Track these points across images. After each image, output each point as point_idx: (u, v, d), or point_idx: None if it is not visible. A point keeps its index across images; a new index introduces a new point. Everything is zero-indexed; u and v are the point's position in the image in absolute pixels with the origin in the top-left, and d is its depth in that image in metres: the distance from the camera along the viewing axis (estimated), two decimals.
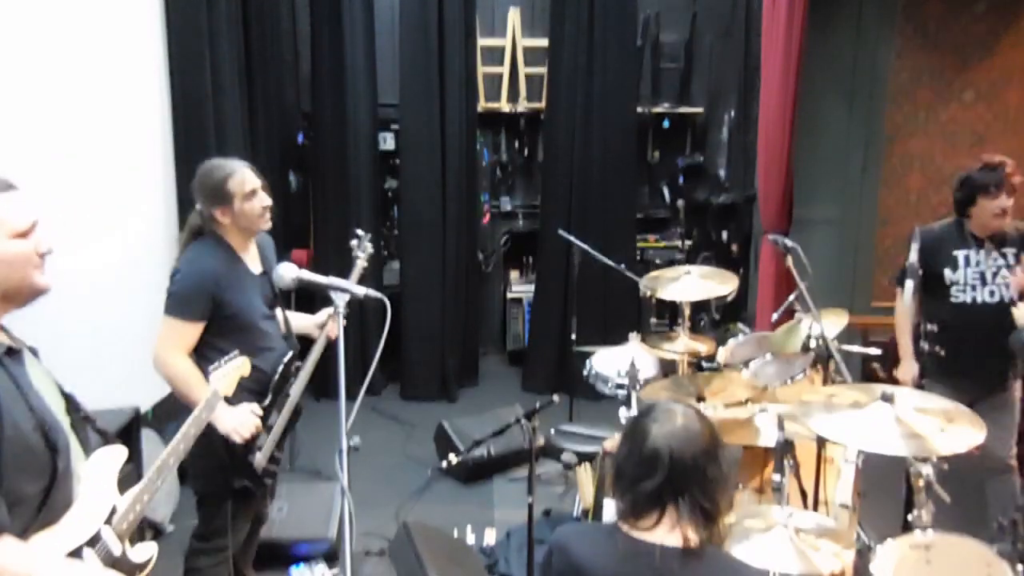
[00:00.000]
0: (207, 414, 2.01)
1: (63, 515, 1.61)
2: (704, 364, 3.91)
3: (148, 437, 3.61)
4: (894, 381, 3.54)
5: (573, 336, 4.94)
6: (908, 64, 5.71)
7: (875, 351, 3.91)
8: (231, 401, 2.38)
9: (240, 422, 2.49)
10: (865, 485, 2.76)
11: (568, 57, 5.54)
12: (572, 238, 4.95)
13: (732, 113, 6.15)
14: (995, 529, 3.06)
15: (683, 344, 3.75)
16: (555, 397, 2.92)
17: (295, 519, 3.55)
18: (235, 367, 2.21)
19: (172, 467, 1.87)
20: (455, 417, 4.63)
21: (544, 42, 5.76)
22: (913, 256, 3.25)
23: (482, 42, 5.89)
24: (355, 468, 2.12)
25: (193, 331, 2.54)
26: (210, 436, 2.24)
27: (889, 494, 3.37)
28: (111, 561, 1.67)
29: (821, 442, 2.69)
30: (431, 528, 3.38)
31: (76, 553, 1.60)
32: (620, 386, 3.71)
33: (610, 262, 4.69)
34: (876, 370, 5.00)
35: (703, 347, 3.76)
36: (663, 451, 1.63)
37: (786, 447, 2.46)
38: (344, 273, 2.74)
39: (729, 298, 4.07)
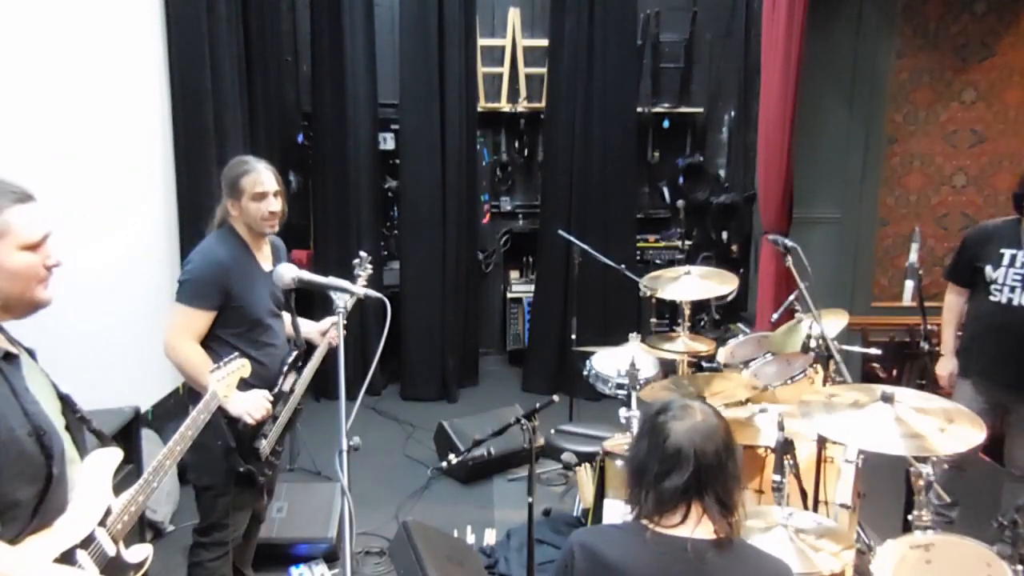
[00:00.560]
0: (205, 416, 2.01)
1: (57, 519, 1.61)
2: (704, 364, 3.92)
3: (148, 437, 3.61)
4: (896, 381, 3.54)
5: (573, 336, 4.94)
6: (908, 64, 5.72)
7: (875, 351, 3.92)
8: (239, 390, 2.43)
9: (253, 404, 2.54)
10: (865, 485, 2.77)
11: (568, 57, 5.54)
12: (572, 238, 4.95)
13: (732, 113, 6.15)
14: (995, 529, 3.06)
15: (683, 344, 3.75)
16: (555, 397, 2.92)
17: (295, 519, 3.55)
18: (235, 369, 2.23)
19: (168, 469, 1.87)
20: (455, 417, 4.63)
21: (544, 42, 5.77)
22: (913, 256, 3.24)
23: (482, 42, 5.89)
24: (355, 468, 2.11)
25: (204, 319, 2.59)
26: (214, 424, 2.26)
27: (889, 494, 3.37)
28: (105, 562, 1.66)
29: (821, 442, 2.69)
30: (431, 528, 3.38)
31: (69, 555, 1.60)
32: (620, 386, 3.71)
33: (610, 262, 4.70)
34: (876, 370, 5.00)
35: (703, 347, 3.76)
36: (687, 447, 1.65)
37: (786, 447, 2.46)
38: (343, 274, 2.74)
39: (729, 298, 4.07)
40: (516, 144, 6.17)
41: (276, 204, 2.70)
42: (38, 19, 3.09)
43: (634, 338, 4.06)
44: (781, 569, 1.72)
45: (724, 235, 6.22)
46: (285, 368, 2.75)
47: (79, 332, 3.19)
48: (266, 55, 5.05)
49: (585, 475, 3.57)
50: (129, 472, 2.78)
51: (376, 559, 3.58)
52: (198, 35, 4.06)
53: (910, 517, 2.33)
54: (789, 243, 3.42)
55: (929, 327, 3.47)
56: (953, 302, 3.47)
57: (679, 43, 6.07)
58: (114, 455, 1.79)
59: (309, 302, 4.56)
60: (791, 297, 3.62)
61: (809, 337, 3.29)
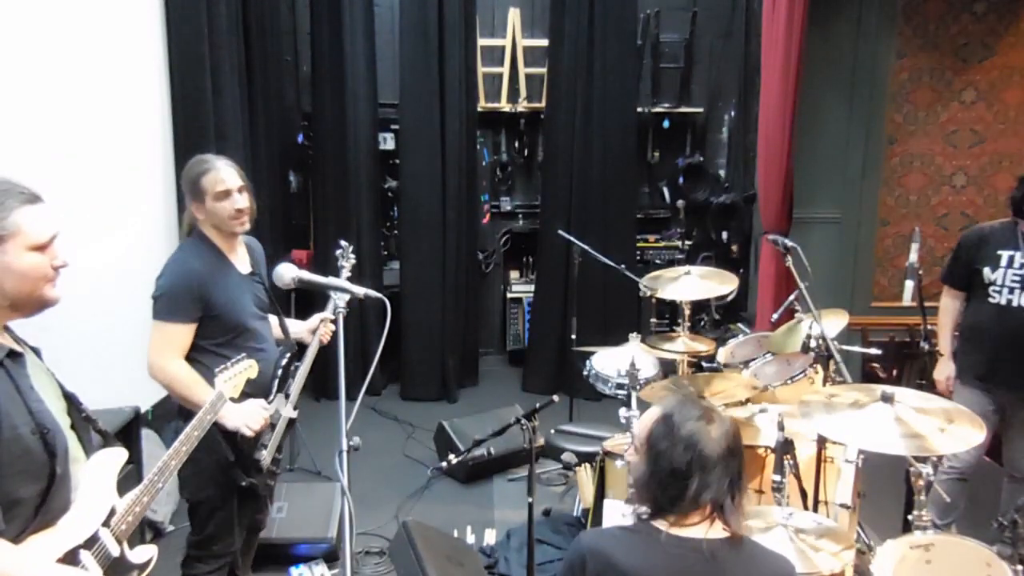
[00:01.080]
0: (211, 416, 2.00)
1: (60, 518, 1.60)
2: (704, 364, 3.92)
3: (148, 437, 3.61)
4: (896, 381, 3.54)
5: (573, 336, 4.94)
6: (908, 64, 5.72)
7: (875, 351, 3.92)
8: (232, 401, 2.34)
9: (249, 415, 2.45)
10: (865, 485, 2.77)
11: (568, 57, 5.54)
12: (572, 238, 4.95)
13: (732, 113, 6.15)
14: (995, 529, 3.06)
15: (683, 344, 3.76)
16: (555, 397, 2.92)
17: (295, 519, 3.55)
18: (242, 370, 2.18)
19: (174, 469, 1.86)
20: (455, 417, 4.62)
21: (544, 42, 5.77)
22: (913, 256, 3.24)
23: (482, 42, 5.89)
24: (355, 468, 2.11)
25: (184, 333, 2.49)
26: (209, 438, 2.23)
27: (889, 494, 3.37)
28: (109, 563, 1.66)
29: (821, 442, 2.69)
30: (431, 528, 3.38)
31: (73, 554, 1.59)
32: (620, 386, 3.71)
33: (610, 262, 4.70)
34: (876, 370, 5.00)
35: (703, 347, 3.76)
36: (703, 448, 1.66)
37: (786, 447, 2.47)
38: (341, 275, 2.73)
39: (729, 298, 4.08)
40: (516, 144, 6.17)
41: (243, 200, 2.56)
42: (38, 19, 3.09)
43: (634, 338, 4.06)
44: (785, 564, 1.75)
45: (724, 235, 6.22)
46: (279, 372, 2.65)
47: (79, 332, 3.19)
48: (266, 55, 5.05)
49: (585, 475, 3.57)
50: (129, 472, 2.78)
51: (376, 559, 3.58)
52: (198, 35, 4.06)
53: (910, 517, 2.33)
54: (789, 243, 3.42)
55: (929, 327, 3.46)
56: (949, 306, 3.44)
57: (679, 43, 6.07)
58: (119, 455, 1.78)
59: (310, 303, 4.57)
60: (791, 297, 3.62)
61: (809, 337, 3.29)
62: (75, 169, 3.29)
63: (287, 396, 2.69)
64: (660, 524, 1.69)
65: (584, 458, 3.51)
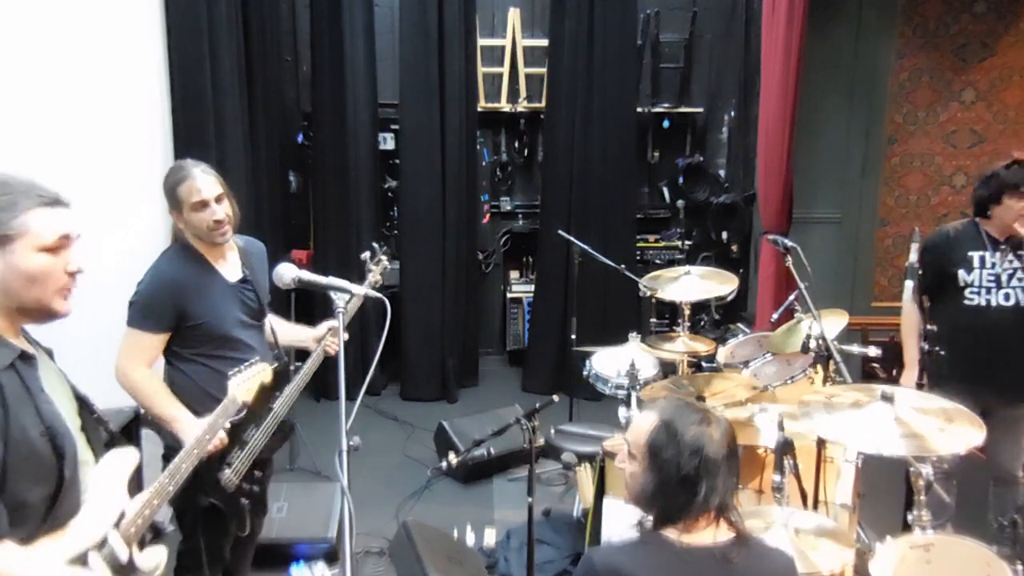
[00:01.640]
0: (224, 420, 1.98)
1: (70, 521, 1.59)
2: (704, 364, 3.92)
3: (148, 437, 3.60)
4: (895, 382, 3.54)
5: (573, 336, 4.94)
6: (908, 64, 5.72)
7: (875, 351, 3.91)
8: (200, 413, 2.26)
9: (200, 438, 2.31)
10: (865, 485, 2.77)
11: (568, 57, 5.54)
12: (572, 238, 4.95)
13: (732, 113, 6.15)
14: (995, 529, 3.06)
15: (683, 344, 3.75)
16: (555, 397, 2.92)
17: (295, 519, 3.55)
18: (255, 373, 2.15)
19: (185, 472, 1.84)
20: (455, 417, 4.63)
21: (544, 42, 5.77)
22: (913, 256, 3.23)
23: (482, 42, 5.89)
24: (355, 468, 2.11)
25: (154, 342, 2.44)
26: (168, 456, 2.13)
27: (889, 494, 3.36)
28: (117, 566, 1.64)
29: (821, 442, 2.69)
30: (431, 528, 3.38)
31: (83, 557, 1.58)
32: (620, 386, 3.71)
33: (610, 262, 4.69)
34: (876, 370, 5.00)
35: (703, 347, 3.76)
36: (708, 452, 1.65)
37: (786, 447, 2.46)
38: (343, 274, 2.71)
39: (729, 298, 4.08)
40: (516, 144, 6.18)
41: (221, 211, 2.45)
42: (38, 19, 3.09)
43: (634, 338, 4.05)
44: (787, 558, 1.78)
45: (724, 235, 6.22)
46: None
47: (79, 332, 3.17)
48: (266, 55, 5.05)
49: (585, 475, 3.57)
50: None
51: (376, 559, 3.58)
52: (198, 35, 4.06)
53: (910, 517, 2.32)
54: (789, 243, 3.42)
55: (929, 327, 3.46)
56: (913, 313, 3.39)
57: (679, 43, 6.07)
58: (130, 456, 1.74)
59: (310, 304, 4.57)
60: (791, 297, 3.62)
61: (809, 337, 3.28)
62: (75, 169, 3.29)
63: (269, 410, 2.54)
64: (670, 533, 1.66)
65: (584, 458, 3.50)
